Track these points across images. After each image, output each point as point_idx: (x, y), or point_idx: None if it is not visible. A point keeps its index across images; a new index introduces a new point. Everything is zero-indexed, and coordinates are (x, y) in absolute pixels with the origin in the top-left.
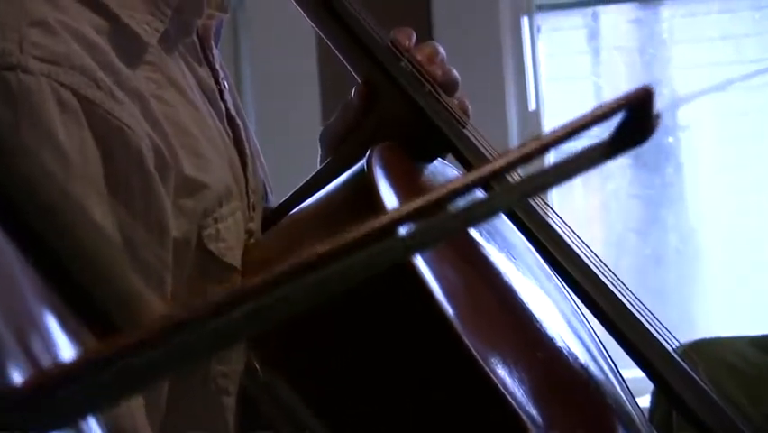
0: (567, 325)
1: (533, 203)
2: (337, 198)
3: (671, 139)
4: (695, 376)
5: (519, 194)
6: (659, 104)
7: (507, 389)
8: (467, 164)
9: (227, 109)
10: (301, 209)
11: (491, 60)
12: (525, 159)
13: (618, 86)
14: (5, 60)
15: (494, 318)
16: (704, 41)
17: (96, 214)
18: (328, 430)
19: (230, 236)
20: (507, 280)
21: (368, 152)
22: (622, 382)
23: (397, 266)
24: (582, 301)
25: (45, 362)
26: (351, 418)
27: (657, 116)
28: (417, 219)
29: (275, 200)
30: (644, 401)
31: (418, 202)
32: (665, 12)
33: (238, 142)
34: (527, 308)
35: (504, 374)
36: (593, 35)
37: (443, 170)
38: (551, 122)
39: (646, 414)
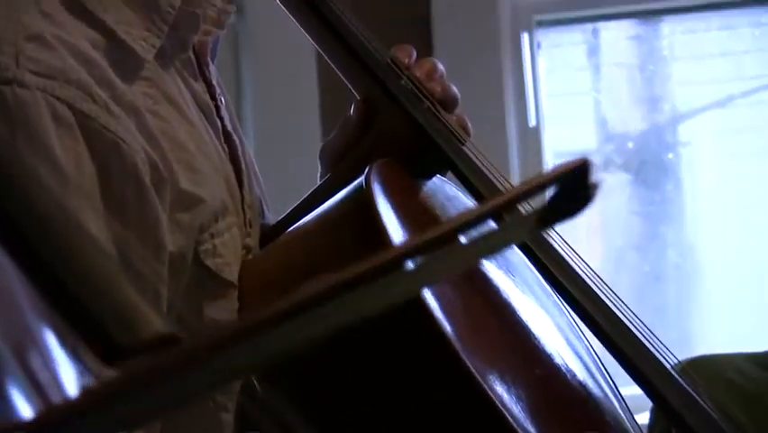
0: (565, 341)
1: None
2: (335, 215)
3: (671, 155)
4: (694, 393)
5: (432, 274)
6: (593, 172)
7: (504, 406)
8: (466, 181)
9: (223, 125)
10: (299, 226)
11: (492, 76)
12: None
13: (619, 102)
14: (2, 75)
15: (492, 335)
16: (704, 58)
17: (92, 227)
18: None
19: (226, 252)
20: (506, 296)
21: (366, 169)
22: (620, 398)
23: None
24: (580, 318)
25: (44, 378)
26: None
27: (594, 186)
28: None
29: (274, 216)
30: (643, 418)
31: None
32: (665, 28)
33: (234, 159)
34: (525, 325)
35: (502, 391)
36: (593, 51)
37: (442, 186)
38: (551, 138)
39: (645, 431)
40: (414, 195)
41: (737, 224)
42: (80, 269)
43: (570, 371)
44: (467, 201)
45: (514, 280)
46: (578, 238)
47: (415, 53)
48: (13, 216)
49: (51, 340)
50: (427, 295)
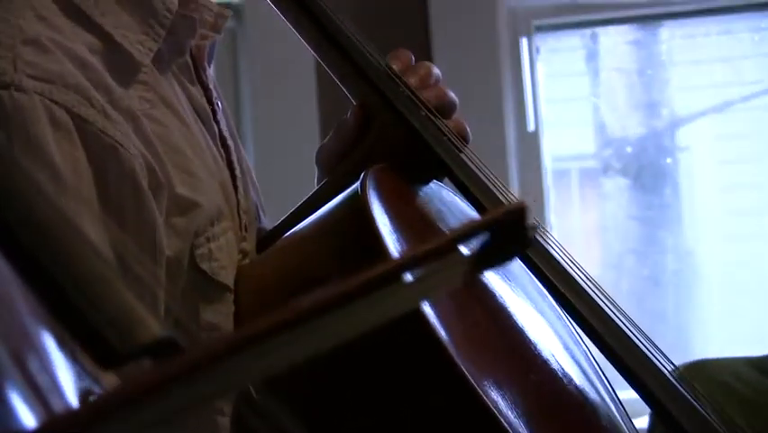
0: (562, 346)
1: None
2: (331, 221)
3: (669, 160)
4: (692, 399)
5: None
6: (532, 215)
7: (500, 412)
8: (462, 187)
9: (220, 129)
10: (295, 232)
11: (490, 81)
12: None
13: (617, 107)
14: (1, 79)
15: (488, 341)
16: (703, 63)
17: (90, 232)
18: None
19: (222, 256)
20: (502, 301)
21: (362, 175)
22: (618, 403)
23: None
24: (577, 323)
25: (43, 382)
26: None
27: (531, 230)
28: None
29: (272, 220)
30: (642, 423)
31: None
32: (664, 33)
33: (229, 163)
34: (522, 330)
35: (497, 397)
36: (592, 56)
37: (439, 192)
38: (550, 143)
39: None
40: (409, 201)
41: (736, 228)
42: (78, 274)
43: (566, 376)
44: (463, 207)
45: (510, 285)
46: (576, 243)
47: (412, 58)
48: (11, 222)
49: (50, 344)
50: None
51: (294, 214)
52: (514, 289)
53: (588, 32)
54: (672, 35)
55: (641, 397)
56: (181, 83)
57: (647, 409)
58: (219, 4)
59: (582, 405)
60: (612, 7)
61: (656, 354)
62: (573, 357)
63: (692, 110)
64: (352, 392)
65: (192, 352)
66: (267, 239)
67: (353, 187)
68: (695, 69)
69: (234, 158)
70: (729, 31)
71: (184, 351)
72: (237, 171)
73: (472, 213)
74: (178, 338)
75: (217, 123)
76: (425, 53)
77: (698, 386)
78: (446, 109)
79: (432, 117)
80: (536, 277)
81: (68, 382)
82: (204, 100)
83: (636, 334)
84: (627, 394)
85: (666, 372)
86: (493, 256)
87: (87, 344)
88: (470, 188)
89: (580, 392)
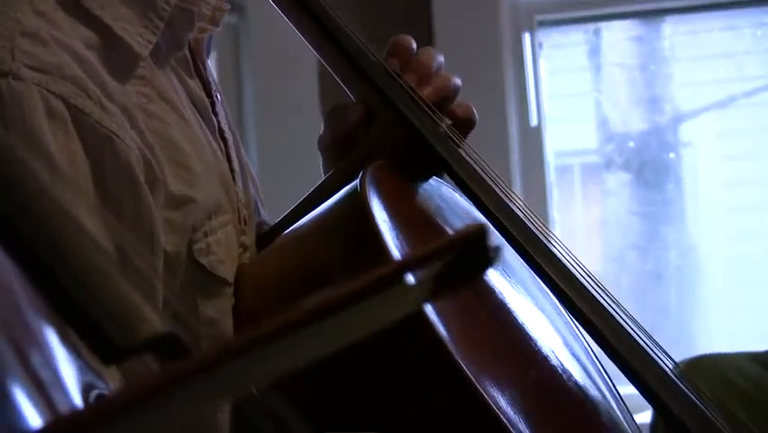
0: (562, 342)
1: (529, 221)
2: (330, 219)
3: (672, 155)
4: (693, 397)
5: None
6: (493, 239)
7: (500, 409)
8: (462, 183)
9: (218, 122)
10: (295, 229)
11: (493, 77)
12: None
13: (620, 102)
14: None
15: (488, 338)
16: (705, 58)
17: (87, 223)
18: None
19: (220, 250)
20: (501, 298)
21: (361, 172)
22: (619, 399)
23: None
24: (577, 321)
25: (45, 376)
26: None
27: (495, 251)
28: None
29: (274, 215)
30: (643, 418)
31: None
32: (667, 29)
33: (227, 156)
34: (522, 327)
35: (497, 395)
36: (595, 52)
37: (439, 188)
38: (552, 138)
39: (646, 431)
40: (409, 198)
41: (738, 224)
42: (78, 268)
43: (567, 372)
44: (463, 203)
45: (510, 281)
46: (578, 238)
47: (413, 46)
48: (9, 215)
49: (52, 338)
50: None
51: (294, 211)
52: (513, 285)
53: (590, 27)
54: (674, 31)
55: (642, 395)
56: (179, 77)
57: (648, 405)
58: None
59: (583, 402)
60: (615, 2)
61: (657, 352)
62: (573, 353)
63: (695, 106)
64: (351, 392)
65: (197, 354)
66: (267, 236)
67: (352, 185)
68: (698, 65)
69: (233, 151)
70: (732, 26)
71: (185, 346)
72: (235, 165)
73: (472, 209)
74: (179, 333)
75: (216, 115)
76: None
77: (700, 381)
78: (451, 96)
79: (431, 114)
80: (534, 273)
81: (70, 377)
82: (203, 93)
83: (637, 331)
84: (628, 390)
85: (667, 369)
86: (454, 279)
87: (89, 338)
88: (469, 184)
89: (580, 389)
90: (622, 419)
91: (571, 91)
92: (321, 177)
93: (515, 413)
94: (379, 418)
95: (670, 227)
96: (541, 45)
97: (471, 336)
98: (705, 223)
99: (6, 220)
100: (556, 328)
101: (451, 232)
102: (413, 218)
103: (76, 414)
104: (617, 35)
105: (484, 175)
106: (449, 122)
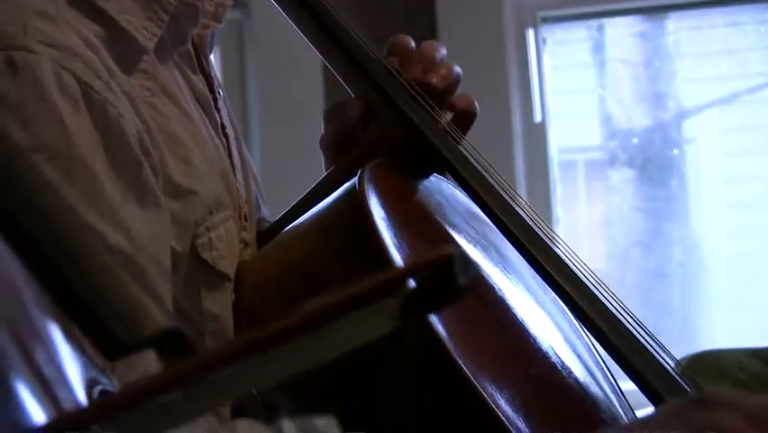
0: (563, 339)
1: (530, 219)
2: (329, 216)
3: (675, 152)
4: (693, 393)
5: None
6: (459, 265)
7: (498, 407)
8: (461, 180)
9: (220, 118)
10: (295, 226)
11: (497, 73)
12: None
13: (623, 98)
14: (10, 42)
15: (487, 335)
16: (709, 55)
17: (110, 192)
18: None
19: (222, 245)
20: (502, 294)
21: (359, 170)
22: (621, 396)
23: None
24: (579, 319)
25: (49, 373)
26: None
27: (463, 277)
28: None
29: (276, 211)
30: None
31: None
32: (671, 25)
33: (228, 152)
34: (522, 323)
35: (496, 393)
36: (598, 48)
37: (439, 185)
38: (556, 134)
39: None
40: (408, 195)
41: (742, 220)
42: (83, 264)
43: (567, 369)
44: (463, 199)
45: (511, 278)
46: (582, 234)
47: (411, 44)
48: (15, 212)
49: (56, 335)
50: None
51: (294, 208)
52: (514, 282)
53: (594, 23)
54: (678, 27)
55: (641, 391)
56: (183, 72)
57: (648, 403)
58: None
59: (583, 398)
60: None
61: (658, 349)
62: (575, 350)
63: (698, 102)
64: (349, 391)
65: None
66: (267, 233)
67: (351, 182)
68: (701, 62)
69: (234, 147)
70: (735, 23)
71: (188, 341)
72: (236, 161)
73: (472, 206)
74: (183, 329)
75: (218, 111)
76: None
77: (701, 377)
78: (453, 85)
79: (431, 111)
80: (536, 270)
81: (74, 373)
82: (206, 89)
83: (639, 328)
84: (630, 386)
85: (669, 367)
86: (422, 304)
87: (93, 335)
88: (470, 182)
89: (580, 386)
90: (623, 415)
91: (574, 87)
92: (323, 175)
93: (514, 411)
94: (377, 416)
95: (673, 224)
96: (544, 41)
97: (471, 335)
98: (708, 219)
99: (13, 218)
100: (558, 325)
101: (450, 230)
102: (412, 215)
103: (79, 411)
104: (621, 32)
105: (484, 171)
106: (448, 118)
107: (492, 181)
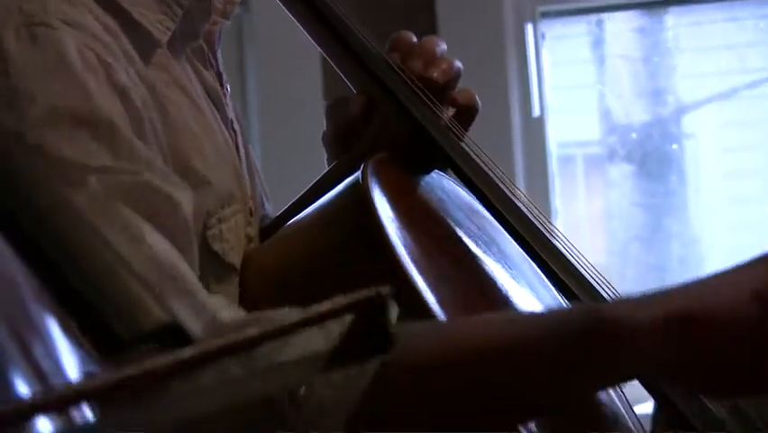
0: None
1: (531, 214)
2: (332, 210)
3: (675, 147)
4: None
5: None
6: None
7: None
8: (463, 176)
9: (229, 113)
10: (298, 220)
11: (495, 68)
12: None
13: (623, 93)
14: (31, 19)
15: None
16: (709, 50)
17: (141, 152)
18: None
19: (231, 237)
20: (504, 291)
21: (362, 165)
22: (621, 392)
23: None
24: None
25: (47, 367)
26: None
27: (392, 324)
28: None
29: (278, 207)
30: (644, 409)
31: None
32: (670, 20)
33: (236, 147)
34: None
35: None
36: (598, 43)
37: (440, 181)
38: (555, 129)
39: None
40: (410, 190)
41: (741, 216)
42: (81, 260)
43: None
44: (464, 195)
45: (512, 274)
46: (581, 229)
47: (413, 39)
48: (14, 211)
49: (54, 329)
50: (425, 289)
51: (297, 203)
52: (516, 278)
53: (593, 18)
54: (677, 22)
55: (643, 385)
56: (194, 66)
57: (649, 397)
58: None
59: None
60: None
61: None
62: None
63: (698, 97)
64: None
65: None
66: (270, 227)
67: (354, 176)
68: (700, 56)
69: (240, 142)
70: (735, 18)
71: (188, 335)
72: (243, 156)
73: (474, 202)
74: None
75: (226, 106)
76: None
77: None
78: (454, 80)
79: (432, 106)
80: (537, 265)
81: (72, 368)
82: (217, 84)
83: None
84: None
85: None
86: (352, 349)
87: (92, 330)
88: (472, 178)
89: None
90: (624, 412)
91: (573, 82)
92: (323, 171)
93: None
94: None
95: (673, 219)
96: (543, 36)
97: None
98: (707, 214)
99: (13, 216)
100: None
101: (452, 225)
102: (414, 211)
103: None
104: (620, 26)
105: (486, 167)
106: (450, 114)
107: (494, 177)
